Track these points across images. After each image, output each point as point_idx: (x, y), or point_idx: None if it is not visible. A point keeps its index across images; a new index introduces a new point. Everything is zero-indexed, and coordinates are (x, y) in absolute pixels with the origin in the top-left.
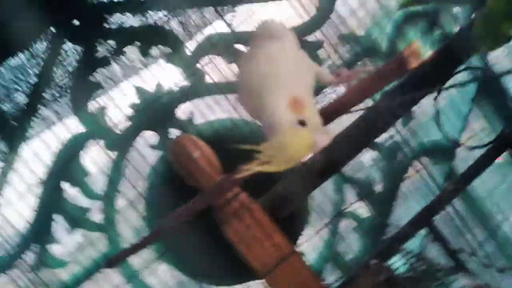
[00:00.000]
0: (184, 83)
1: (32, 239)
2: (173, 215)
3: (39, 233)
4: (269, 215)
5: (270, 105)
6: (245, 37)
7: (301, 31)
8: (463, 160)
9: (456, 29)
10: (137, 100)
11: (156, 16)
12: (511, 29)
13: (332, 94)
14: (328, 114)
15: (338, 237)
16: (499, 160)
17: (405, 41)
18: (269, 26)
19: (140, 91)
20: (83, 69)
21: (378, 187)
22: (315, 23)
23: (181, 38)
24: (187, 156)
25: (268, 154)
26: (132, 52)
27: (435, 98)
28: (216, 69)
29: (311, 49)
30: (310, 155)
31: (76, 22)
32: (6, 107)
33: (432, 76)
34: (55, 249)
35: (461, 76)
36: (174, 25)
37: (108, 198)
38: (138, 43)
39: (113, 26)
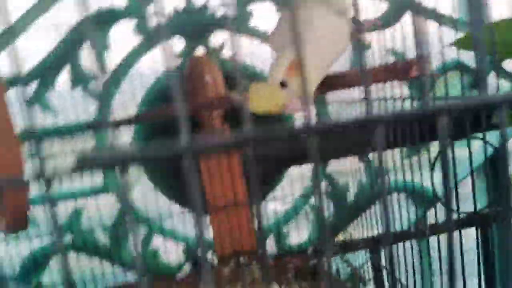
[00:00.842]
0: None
1: None
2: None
3: None
4: (244, 171)
5: (279, 59)
6: None
7: None
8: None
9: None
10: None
11: None
12: None
13: None
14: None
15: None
16: None
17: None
18: None
19: None
20: None
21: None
22: None
23: None
24: (199, 76)
25: (250, 95)
26: None
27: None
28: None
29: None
30: (280, 114)
31: None
32: None
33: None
34: None
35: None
36: None
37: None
38: None
39: None
